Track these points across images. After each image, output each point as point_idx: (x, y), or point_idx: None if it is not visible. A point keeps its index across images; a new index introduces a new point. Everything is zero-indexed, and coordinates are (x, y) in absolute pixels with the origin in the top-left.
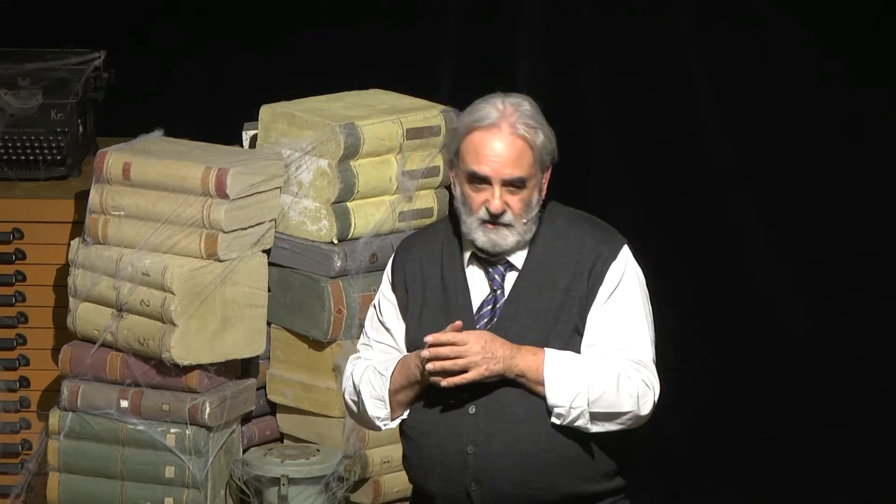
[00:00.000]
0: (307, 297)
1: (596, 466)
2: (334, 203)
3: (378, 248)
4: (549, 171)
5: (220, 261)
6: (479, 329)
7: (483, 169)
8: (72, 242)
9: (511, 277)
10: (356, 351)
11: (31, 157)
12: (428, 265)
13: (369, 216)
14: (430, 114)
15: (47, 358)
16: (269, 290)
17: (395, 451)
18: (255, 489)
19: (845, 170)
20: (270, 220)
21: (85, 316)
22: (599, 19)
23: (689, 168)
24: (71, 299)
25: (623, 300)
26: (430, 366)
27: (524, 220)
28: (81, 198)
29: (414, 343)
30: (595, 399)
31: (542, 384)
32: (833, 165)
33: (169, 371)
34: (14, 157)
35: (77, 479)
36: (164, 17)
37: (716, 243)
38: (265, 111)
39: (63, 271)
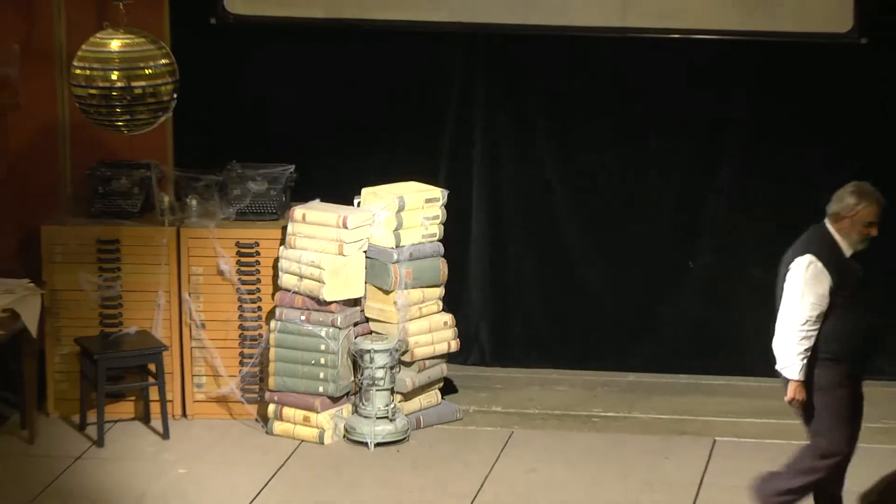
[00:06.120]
0: (381, 271)
1: None
2: (394, 230)
3: (412, 251)
4: None
5: (345, 256)
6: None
7: (874, 218)
8: (280, 248)
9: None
10: (805, 314)
11: (262, 211)
12: (834, 260)
13: (409, 236)
14: (436, 192)
15: (269, 298)
16: (366, 268)
17: (420, 339)
18: (360, 355)
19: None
20: (366, 238)
21: (285, 280)
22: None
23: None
24: (280, 272)
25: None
26: None
27: None
28: (284, 228)
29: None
30: None
31: None
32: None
33: (323, 303)
34: (256, 211)
35: (283, 351)
36: (338, 154)
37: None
38: (364, 191)
39: (276, 260)
